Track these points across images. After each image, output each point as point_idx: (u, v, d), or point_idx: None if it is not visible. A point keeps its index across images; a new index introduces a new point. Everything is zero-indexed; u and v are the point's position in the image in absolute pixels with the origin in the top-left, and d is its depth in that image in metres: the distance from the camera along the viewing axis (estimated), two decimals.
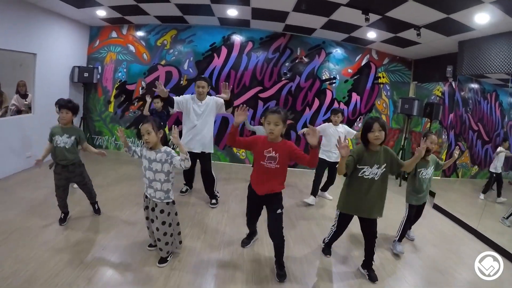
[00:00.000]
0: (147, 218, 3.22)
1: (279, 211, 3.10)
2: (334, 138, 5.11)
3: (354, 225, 3.48)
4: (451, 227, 4.99)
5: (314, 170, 5.45)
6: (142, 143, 3.07)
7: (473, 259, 3.61)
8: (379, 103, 7.87)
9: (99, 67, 7.51)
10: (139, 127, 3.11)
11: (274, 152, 2.94)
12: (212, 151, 4.83)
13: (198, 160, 4.82)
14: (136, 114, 7.62)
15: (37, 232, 3.52)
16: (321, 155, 5.33)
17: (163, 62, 7.47)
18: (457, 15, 4.64)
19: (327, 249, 3.69)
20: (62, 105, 3.67)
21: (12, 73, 5.61)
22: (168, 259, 3.19)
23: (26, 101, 5.78)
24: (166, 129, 6.26)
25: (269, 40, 7.47)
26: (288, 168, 3.11)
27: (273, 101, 7.55)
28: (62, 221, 3.77)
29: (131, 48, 7.49)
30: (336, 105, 7.67)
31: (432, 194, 6.06)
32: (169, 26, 7.38)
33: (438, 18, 4.91)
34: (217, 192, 5.03)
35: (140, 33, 7.46)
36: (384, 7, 4.98)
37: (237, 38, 7.44)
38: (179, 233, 3.32)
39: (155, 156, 2.97)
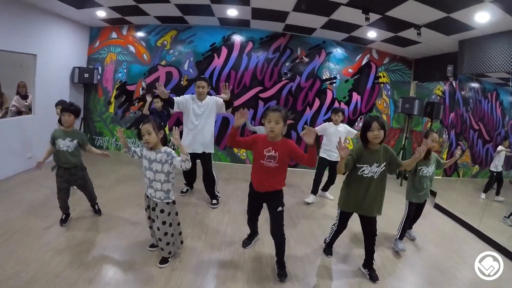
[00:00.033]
0: (149, 217, 3.23)
1: (279, 209, 3.11)
2: (335, 137, 5.13)
3: (355, 224, 3.49)
4: (452, 226, 4.98)
5: (315, 170, 5.47)
6: (142, 143, 3.07)
7: (474, 259, 3.59)
8: (379, 102, 7.87)
9: (99, 68, 7.51)
10: (140, 127, 3.10)
11: (274, 151, 2.95)
12: (212, 151, 4.83)
13: (198, 160, 4.81)
14: (136, 114, 7.62)
15: (38, 233, 3.52)
16: (322, 154, 5.36)
17: (163, 63, 7.47)
18: (457, 14, 4.63)
19: (328, 249, 3.69)
20: (65, 108, 3.70)
21: (12, 74, 5.61)
22: (169, 259, 3.18)
23: (26, 102, 5.78)
24: (166, 129, 6.26)
25: (269, 40, 7.47)
26: (289, 168, 3.13)
27: (273, 101, 7.54)
28: (63, 222, 3.77)
29: (131, 48, 7.49)
30: (336, 105, 7.66)
31: (433, 193, 6.06)
32: (169, 26, 7.38)
33: (439, 17, 4.90)
34: (218, 193, 5.03)
35: (140, 34, 7.46)
36: (384, 7, 4.97)
37: (237, 38, 7.44)
38: (180, 233, 3.32)
39: (155, 156, 2.97)
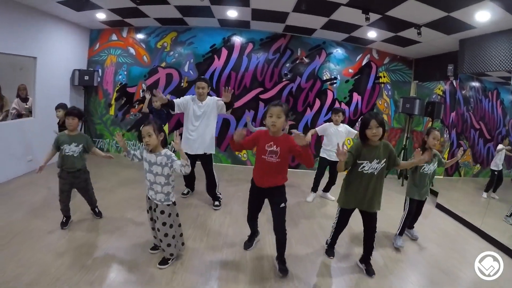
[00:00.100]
0: (151, 219, 3.23)
1: (282, 205, 3.13)
2: (335, 137, 5.16)
3: (356, 224, 3.48)
4: (454, 226, 4.97)
5: (316, 170, 5.50)
6: (142, 145, 3.07)
7: (476, 258, 3.60)
8: (380, 102, 7.85)
9: (100, 70, 7.50)
10: (140, 129, 3.10)
11: (275, 146, 2.99)
12: (213, 152, 4.82)
13: (198, 162, 4.81)
14: (137, 116, 7.62)
15: (39, 236, 3.52)
16: (322, 154, 5.40)
17: (163, 65, 7.46)
18: (457, 13, 4.62)
19: (330, 250, 3.68)
20: (69, 112, 3.72)
21: (12, 77, 5.60)
22: (169, 261, 3.18)
23: (26, 104, 5.77)
24: (166, 127, 6.24)
25: (269, 41, 7.46)
26: (290, 169, 3.14)
27: None
28: (64, 224, 3.77)
29: (131, 50, 7.49)
30: (337, 105, 7.64)
31: (435, 193, 6.05)
32: (169, 28, 7.38)
33: (439, 17, 4.89)
34: (220, 194, 5.03)
35: (140, 36, 7.46)
36: (384, 6, 4.96)
37: (237, 40, 7.43)
38: (181, 235, 3.32)
39: (155, 159, 2.97)
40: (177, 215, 3.22)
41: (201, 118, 4.63)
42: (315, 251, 3.75)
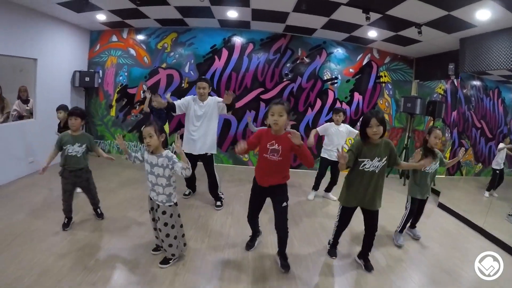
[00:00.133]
0: (153, 219, 3.23)
1: (284, 204, 3.15)
2: (336, 137, 5.18)
3: (357, 224, 3.48)
4: (456, 225, 4.95)
5: (317, 170, 5.51)
6: (143, 146, 3.07)
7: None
8: (381, 102, 7.84)
9: (100, 71, 7.51)
10: (141, 129, 3.10)
11: (277, 144, 3.00)
12: (214, 152, 4.81)
13: (199, 162, 4.81)
14: (138, 117, 7.62)
15: (41, 237, 3.51)
16: (323, 154, 5.42)
17: (164, 65, 7.47)
18: (458, 12, 4.62)
19: (332, 250, 3.67)
20: (72, 112, 3.73)
21: (13, 79, 5.61)
22: (170, 261, 3.18)
23: (27, 106, 5.78)
24: (166, 127, 6.23)
25: (269, 41, 7.46)
26: (291, 169, 3.14)
27: None
28: (66, 226, 3.76)
29: (132, 51, 7.49)
30: (338, 105, 7.63)
31: (437, 193, 6.04)
32: (169, 29, 7.38)
33: (439, 16, 4.89)
34: (222, 194, 5.03)
35: (140, 37, 7.46)
36: (384, 6, 4.96)
37: (238, 40, 7.43)
38: (183, 235, 3.31)
39: (156, 160, 2.97)
40: (178, 215, 3.22)
41: (202, 118, 4.63)
42: (317, 251, 3.74)
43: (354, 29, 6.41)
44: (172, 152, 3.10)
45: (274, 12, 5.90)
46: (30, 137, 5.68)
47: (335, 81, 7.64)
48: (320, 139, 5.41)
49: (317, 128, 5.35)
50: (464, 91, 6.65)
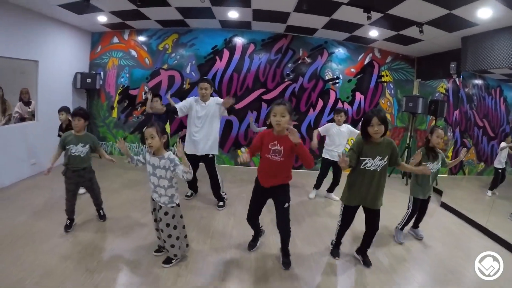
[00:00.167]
0: (155, 220, 3.23)
1: (286, 205, 3.16)
2: (338, 138, 5.18)
3: (359, 223, 3.47)
4: (459, 224, 4.94)
5: (319, 170, 5.52)
6: (145, 147, 3.07)
7: None
8: (383, 102, 7.83)
9: (102, 73, 7.52)
10: (143, 130, 3.10)
11: (279, 145, 3.00)
12: (216, 153, 4.82)
13: (201, 163, 4.81)
14: (139, 119, 7.62)
15: (43, 239, 3.51)
16: (325, 154, 5.42)
17: (165, 67, 7.47)
18: (459, 10, 4.61)
19: (335, 251, 3.65)
20: (75, 112, 3.73)
21: (15, 81, 5.61)
22: (173, 261, 3.19)
23: (29, 108, 5.79)
24: (167, 126, 6.22)
25: (271, 41, 7.46)
26: (294, 170, 3.14)
27: None
28: (68, 227, 3.76)
29: (133, 53, 7.49)
30: (340, 105, 7.63)
31: (439, 192, 6.03)
32: (170, 30, 7.39)
33: (441, 14, 4.88)
34: (225, 194, 5.03)
35: (141, 38, 7.47)
36: (385, 5, 4.95)
37: (239, 41, 7.43)
38: (186, 236, 3.32)
39: (158, 162, 2.97)
40: (181, 216, 3.22)
41: (205, 119, 4.64)
42: (319, 251, 3.73)
43: (355, 29, 6.40)
44: (173, 153, 3.10)
45: (275, 12, 5.90)
46: (32, 139, 5.69)
47: (337, 81, 7.64)
48: (321, 139, 5.40)
49: (319, 129, 5.36)
50: (466, 90, 6.64)
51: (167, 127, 6.11)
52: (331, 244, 3.72)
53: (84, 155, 3.74)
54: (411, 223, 4.22)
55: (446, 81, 7.13)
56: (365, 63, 7.68)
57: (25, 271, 2.89)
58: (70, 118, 4.55)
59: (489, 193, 6.08)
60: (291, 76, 7.54)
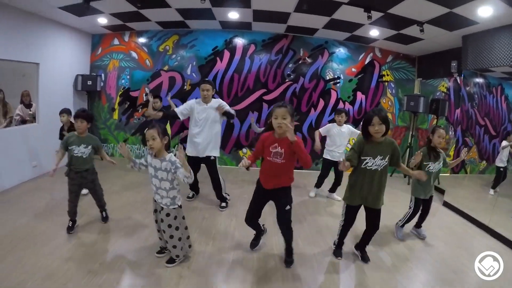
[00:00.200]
0: (156, 221, 3.23)
1: (287, 207, 3.16)
2: (338, 138, 5.18)
3: (361, 223, 3.46)
4: (461, 223, 4.93)
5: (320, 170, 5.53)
6: (147, 149, 3.08)
7: None
8: (384, 101, 7.82)
9: (102, 75, 7.52)
10: (144, 132, 3.10)
11: (280, 147, 2.99)
12: (218, 155, 4.81)
13: (202, 165, 4.81)
14: (140, 120, 7.62)
15: (44, 241, 3.51)
16: (325, 155, 5.41)
17: (166, 68, 7.47)
18: (459, 9, 4.60)
19: (338, 251, 3.64)
20: (77, 114, 3.73)
21: (15, 83, 5.61)
22: (176, 260, 3.20)
23: (30, 110, 5.79)
24: (168, 127, 6.20)
25: (271, 42, 7.45)
26: (296, 170, 3.15)
27: None
28: (70, 229, 3.76)
29: (134, 54, 7.50)
30: (341, 105, 7.63)
31: (442, 191, 6.02)
32: (170, 31, 7.39)
33: (441, 13, 4.87)
34: (228, 195, 5.04)
35: (142, 40, 7.47)
36: (386, 4, 4.94)
37: (239, 41, 7.43)
38: (188, 237, 3.32)
39: (160, 164, 2.98)
40: (183, 217, 3.22)
41: (206, 120, 4.64)
42: (321, 251, 3.72)
43: (355, 28, 6.40)
44: (174, 155, 3.10)
45: (275, 12, 5.90)
46: (33, 141, 5.70)
47: (338, 80, 7.63)
48: (322, 140, 5.39)
49: (320, 129, 5.36)
50: (467, 88, 6.63)
51: (168, 129, 6.11)
52: (334, 244, 3.70)
53: (86, 156, 3.75)
54: (413, 222, 4.21)
55: (447, 80, 7.13)
56: (366, 62, 7.67)
57: (27, 274, 2.88)
58: (71, 120, 4.57)
59: (491, 191, 6.07)
60: (292, 77, 7.53)
